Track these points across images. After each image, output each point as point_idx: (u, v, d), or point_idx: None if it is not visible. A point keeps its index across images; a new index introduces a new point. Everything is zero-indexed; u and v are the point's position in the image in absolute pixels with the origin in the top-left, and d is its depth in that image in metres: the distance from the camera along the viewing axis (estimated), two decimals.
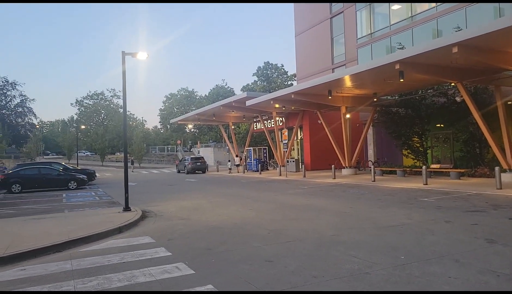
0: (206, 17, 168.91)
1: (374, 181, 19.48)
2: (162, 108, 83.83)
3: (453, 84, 18.80)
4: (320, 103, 24.61)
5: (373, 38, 27.54)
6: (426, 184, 16.92)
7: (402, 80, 16.97)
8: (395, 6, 25.95)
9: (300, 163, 30.45)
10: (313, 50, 36.12)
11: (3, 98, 63.52)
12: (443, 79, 18.41)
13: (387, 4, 26.23)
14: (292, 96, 23.44)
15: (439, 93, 21.55)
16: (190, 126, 61.24)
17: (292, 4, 39.39)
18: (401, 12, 25.75)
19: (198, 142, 66.36)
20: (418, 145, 22.55)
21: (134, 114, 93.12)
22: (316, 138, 30.30)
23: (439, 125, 23.12)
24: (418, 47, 16.23)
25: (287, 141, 26.66)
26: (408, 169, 22.18)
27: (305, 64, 37.67)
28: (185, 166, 36.07)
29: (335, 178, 22.07)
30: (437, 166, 21.06)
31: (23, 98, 65.35)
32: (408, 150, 23.00)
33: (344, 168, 25.50)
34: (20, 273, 6.20)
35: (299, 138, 33.86)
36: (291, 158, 31.53)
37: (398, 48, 21.71)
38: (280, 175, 27.20)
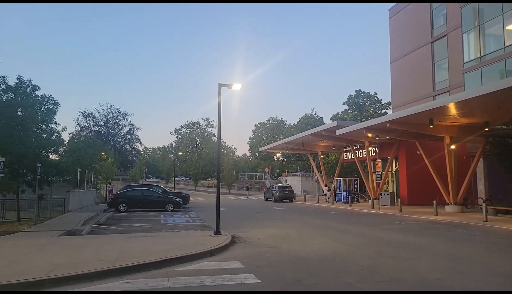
0: (297, 47, 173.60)
1: (486, 221, 17.07)
2: (252, 136, 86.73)
3: None
4: (419, 132, 22.85)
5: (483, 61, 24.94)
6: None
7: None
8: (511, 26, 23.31)
9: (395, 197, 28.32)
10: (411, 76, 34.16)
11: (115, 126, 72.71)
12: None
13: (500, 24, 23.65)
14: (388, 125, 22.21)
15: None
16: (278, 154, 62.07)
17: (388, 30, 38.16)
18: None
19: (286, 170, 66.66)
20: None
21: (225, 142, 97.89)
22: (414, 170, 28.02)
23: None
24: None
25: (380, 172, 25.14)
26: None
27: (402, 91, 35.71)
28: (272, 194, 36.33)
29: (437, 215, 19.95)
30: None
31: (131, 127, 73.96)
32: None
33: (448, 204, 22.95)
34: (125, 285, 6.72)
35: (394, 170, 31.76)
36: (385, 190, 29.60)
37: None
38: (373, 208, 25.62)
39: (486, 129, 21.12)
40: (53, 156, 22.77)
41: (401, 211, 22.63)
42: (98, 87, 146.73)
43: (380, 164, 24.98)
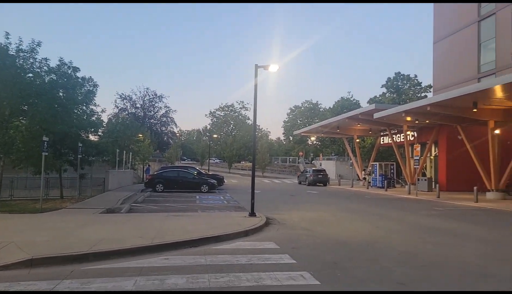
0: (334, 28, 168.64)
1: None
2: (286, 120, 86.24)
3: None
4: (462, 116, 21.78)
5: None
6: None
7: None
8: None
9: (434, 183, 27.35)
10: (454, 58, 32.34)
11: (151, 109, 74.51)
12: None
13: None
14: (428, 108, 21.27)
15: None
16: (312, 138, 61.44)
17: (432, 9, 36.03)
18: None
19: (320, 154, 65.92)
20: None
21: (259, 125, 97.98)
22: (454, 155, 26.83)
23: None
24: None
25: (419, 157, 24.27)
26: None
27: (444, 73, 33.95)
28: (306, 177, 36.13)
29: (477, 202, 19.10)
30: None
31: (167, 109, 75.60)
32: None
33: (489, 191, 21.92)
34: (164, 261, 6.95)
35: (433, 155, 30.57)
36: (422, 176, 28.62)
37: None
38: (409, 193, 24.89)
39: None
40: (93, 137, 23.61)
41: (439, 197, 21.85)
42: (135, 69, 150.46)
43: (418, 148, 24.11)
